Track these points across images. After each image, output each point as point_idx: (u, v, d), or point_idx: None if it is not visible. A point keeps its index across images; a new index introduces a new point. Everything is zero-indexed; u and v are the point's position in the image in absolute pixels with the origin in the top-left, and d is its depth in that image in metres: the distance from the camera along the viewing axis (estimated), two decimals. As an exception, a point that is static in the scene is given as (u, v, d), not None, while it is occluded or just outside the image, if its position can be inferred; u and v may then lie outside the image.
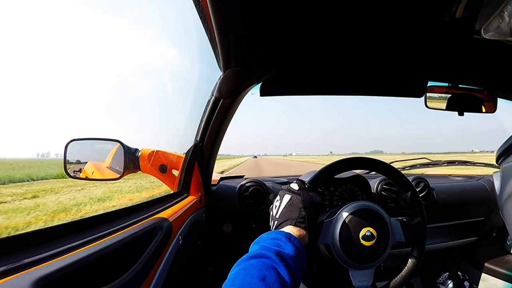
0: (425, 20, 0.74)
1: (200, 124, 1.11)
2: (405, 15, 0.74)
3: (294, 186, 0.78)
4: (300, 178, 0.82)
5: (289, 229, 0.69)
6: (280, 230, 0.68)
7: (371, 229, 0.76)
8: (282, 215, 0.73)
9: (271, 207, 0.80)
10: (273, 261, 0.55)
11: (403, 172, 0.89)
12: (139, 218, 0.71)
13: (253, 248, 0.62)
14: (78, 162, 1.03)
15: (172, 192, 1.09)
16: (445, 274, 1.50)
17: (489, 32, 0.60)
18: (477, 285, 1.53)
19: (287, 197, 0.75)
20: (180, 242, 0.81)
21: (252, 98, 1.08)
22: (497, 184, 0.86)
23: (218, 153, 1.21)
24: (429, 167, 1.76)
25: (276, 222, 0.73)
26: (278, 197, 0.78)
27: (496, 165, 0.94)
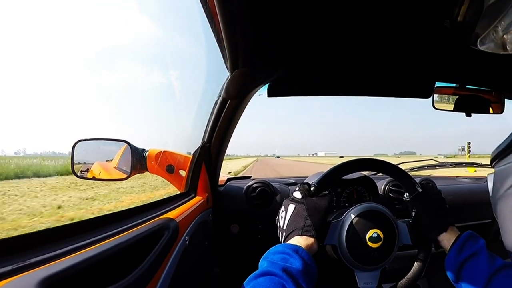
0: (432, 21, 0.74)
1: (207, 125, 1.11)
2: (413, 17, 0.74)
3: (297, 194, 0.78)
4: (307, 180, 0.82)
5: (297, 240, 0.69)
6: (288, 243, 0.68)
7: (378, 231, 0.75)
8: (288, 226, 0.73)
9: (277, 218, 0.80)
10: (281, 277, 0.55)
11: (410, 173, 0.88)
12: (146, 218, 0.71)
13: (262, 264, 0.62)
14: (86, 163, 1.04)
15: (179, 192, 1.09)
16: None
17: (484, 44, 0.62)
18: None
19: (291, 207, 0.76)
20: (187, 242, 0.81)
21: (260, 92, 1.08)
22: (490, 186, 0.88)
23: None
24: (436, 168, 1.75)
25: (284, 233, 0.73)
26: (283, 208, 0.79)
27: None
